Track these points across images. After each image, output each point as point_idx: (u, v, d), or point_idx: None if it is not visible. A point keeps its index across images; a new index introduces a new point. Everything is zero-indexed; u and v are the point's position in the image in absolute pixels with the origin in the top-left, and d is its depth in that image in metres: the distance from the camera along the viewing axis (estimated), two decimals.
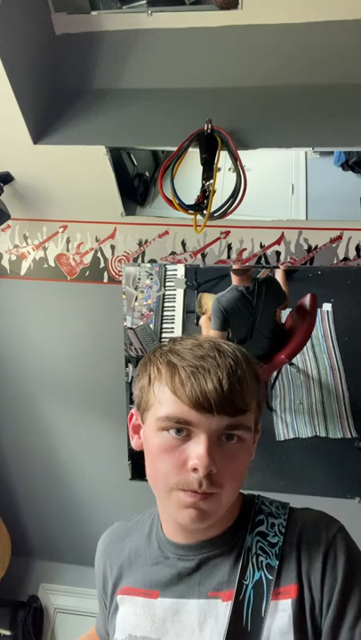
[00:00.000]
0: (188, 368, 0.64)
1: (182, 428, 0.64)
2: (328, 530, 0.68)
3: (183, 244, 1.59)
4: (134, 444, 0.74)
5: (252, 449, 0.70)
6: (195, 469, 0.62)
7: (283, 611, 0.65)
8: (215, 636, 0.67)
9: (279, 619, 0.64)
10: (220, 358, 0.65)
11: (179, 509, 0.66)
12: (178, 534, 0.74)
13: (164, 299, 1.65)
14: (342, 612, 0.63)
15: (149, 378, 0.69)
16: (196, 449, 0.63)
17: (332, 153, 1.45)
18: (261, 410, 0.71)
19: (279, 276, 1.57)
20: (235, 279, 1.57)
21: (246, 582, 0.67)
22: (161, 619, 0.71)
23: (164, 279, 1.63)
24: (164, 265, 1.62)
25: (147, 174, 1.59)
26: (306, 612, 0.64)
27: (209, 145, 1.29)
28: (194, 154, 1.32)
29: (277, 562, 0.67)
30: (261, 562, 0.68)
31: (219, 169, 1.30)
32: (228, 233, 1.55)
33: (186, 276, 1.62)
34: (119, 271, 1.65)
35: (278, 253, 1.56)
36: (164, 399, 0.65)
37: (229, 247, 1.57)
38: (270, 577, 0.66)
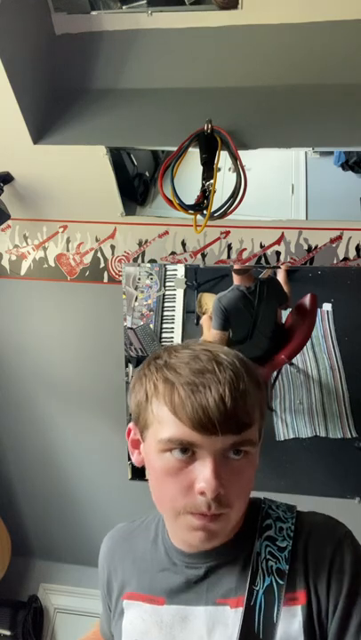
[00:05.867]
0: (187, 386, 0.61)
1: (187, 449, 0.62)
2: (334, 534, 0.68)
3: (183, 244, 1.59)
4: (135, 460, 0.72)
5: (257, 458, 0.69)
6: (202, 493, 0.61)
7: (293, 617, 0.64)
8: None
9: (290, 625, 0.64)
10: (220, 372, 0.61)
11: (188, 532, 0.65)
12: (185, 544, 0.73)
13: (164, 299, 1.64)
14: (348, 617, 0.62)
15: (146, 394, 0.66)
16: (203, 472, 0.61)
17: (332, 153, 1.44)
18: (265, 416, 0.69)
19: (281, 275, 1.57)
20: (236, 279, 1.57)
21: (257, 588, 0.66)
22: (169, 625, 0.71)
23: (164, 279, 1.63)
24: (164, 265, 1.62)
25: (147, 174, 1.59)
26: (314, 617, 0.64)
27: (209, 145, 1.29)
28: (194, 154, 1.32)
29: (287, 566, 0.67)
30: (271, 566, 0.67)
31: (219, 169, 1.30)
32: (228, 233, 1.55)
33: (186, 276, 1.62)
34: (119, 271, 1.65)
35: (278, 253, 1.55)
36: (164, 420, 0.62)
37: (229, 247, 1.57)
38: (281, 582, 0.66)
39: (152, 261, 1.63)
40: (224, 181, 1.36)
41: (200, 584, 0.71)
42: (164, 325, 1.66)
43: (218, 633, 0.67)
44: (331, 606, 0.63)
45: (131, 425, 0.72)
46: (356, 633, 0.62)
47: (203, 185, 1.31)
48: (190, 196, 1.33)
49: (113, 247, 1.64)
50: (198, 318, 1.64)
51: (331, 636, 0.63)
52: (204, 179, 1.31)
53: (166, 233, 1.58)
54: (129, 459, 1.83)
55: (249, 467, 0.65)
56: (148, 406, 0.65)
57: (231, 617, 0.67)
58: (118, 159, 1.44)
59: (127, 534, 0.84)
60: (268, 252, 1.56)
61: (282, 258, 1.55)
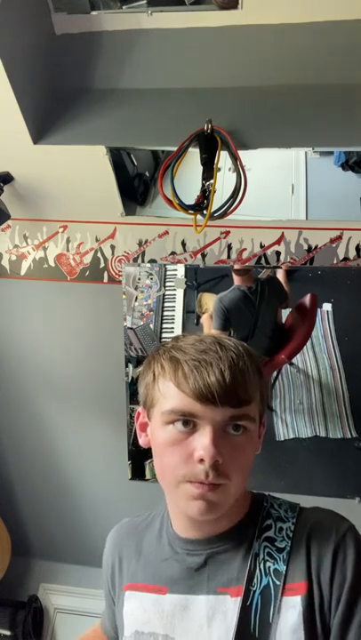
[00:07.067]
0: (191, 362, 0.65)
1: (188, 421, 0.65)
2: (338, 528, 0.69)
3: (183, 244, 1.59)
4: (142, 442, 0.75)
5: (258, 442, 0.71)
6: (201, 460, 0.63)
7: (292, 607, 0.65)
8: (223, 633, 0.67)
9: (289, 615, 0.64)
10: (222, 351, 0.66)
11: (187, 501, 0.66)
12: (187, 529, 0.74)
13: (164, 299, 1.65)
14: (352, 610, 0.63)
15: (153, 375, 0.70)
16: (202, 440, 0.64)
17: (332, 153, 1.44)
18: (265, 403, 0.72)
19: (280, 275, 1.57)
20: (237, 279, 1.57)
21: (254, 588, 0.67)
22: (169, 614, 0.72)
23: (164, 279, 1.63)
24: (164, 265, 1.62)
25: (147, 174, 1.59)
26: (315, 609, 0.65)
27: (209, 145, 1.29)
28: (194, 154, 1.32)
29: (285, 567, 0.67)
30: (269, 567, 0.68)
31: (219, 169, 1.30)
32: (228, 233, 1.55)
33: (186, 276, 1.62)
34: (119, 271, 1.65)
35: (278, 253, 1.56)
36: (168, 394, 0.67)
37: (229, 247, 1.57)
38: (278, 582, 0.67)
39: (152, 261, 1.63)
40: (224, 181, 1.36)
41: (201, 571, 0.72)
42: (164, 325, 1.66)
43: (217, 622, 0.68)
44: (334, 599, 0.64)
45: (140, 409, 0.75)
46: (360, 627, 0.62)
47: (203, 185, 1.31)
48: (190, 196, 1.33)
49: (113, 247, 1.64)
50: (198, 318, 1.64)
51: (335, 627, 0.64)
52: (204, 179, 1.31)
53: (166, 233, 1.59)
54: (129, 459, 1.84)
55: (248, 444, 0.68)
56: (155, 385, 0.69)
57: (231, 606, 0.68)
58: (118, 159, 1.44)
59: (133, 529, 0.85)
60: (268, 251, 1.56)
61: (282, 258, 1.56)
